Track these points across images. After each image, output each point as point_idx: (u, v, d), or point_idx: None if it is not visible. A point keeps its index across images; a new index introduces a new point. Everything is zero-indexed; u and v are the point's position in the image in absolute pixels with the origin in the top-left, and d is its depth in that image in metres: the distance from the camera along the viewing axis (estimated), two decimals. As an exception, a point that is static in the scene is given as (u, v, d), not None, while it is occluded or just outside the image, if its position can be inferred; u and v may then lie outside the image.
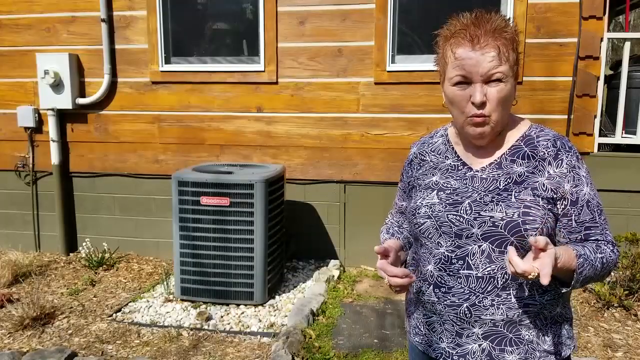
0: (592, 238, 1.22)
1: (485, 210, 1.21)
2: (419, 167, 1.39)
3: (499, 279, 1.21)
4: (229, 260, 3.48)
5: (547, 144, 1.24)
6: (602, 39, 3.79)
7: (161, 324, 3.31)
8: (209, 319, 3.34)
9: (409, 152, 1.46)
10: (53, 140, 4.47)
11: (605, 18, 3.80)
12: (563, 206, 1.21)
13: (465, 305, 1.23)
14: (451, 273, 1.25)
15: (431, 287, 1.29)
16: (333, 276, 4.03)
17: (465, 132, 1.25)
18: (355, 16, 4.07)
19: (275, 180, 3.61)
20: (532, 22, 3.86)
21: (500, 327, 1.23)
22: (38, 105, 4.51)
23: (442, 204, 1.27)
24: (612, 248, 1.22)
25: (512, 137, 1.28)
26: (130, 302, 3.66)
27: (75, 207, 4.68)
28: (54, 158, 4.50)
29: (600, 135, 3.98)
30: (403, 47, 4.11)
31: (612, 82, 4.21)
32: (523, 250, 1.17)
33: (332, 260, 4.36)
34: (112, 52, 4.38)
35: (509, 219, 1.18)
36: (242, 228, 3.44)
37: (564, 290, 1.17)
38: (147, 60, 4.36)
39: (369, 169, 4.22)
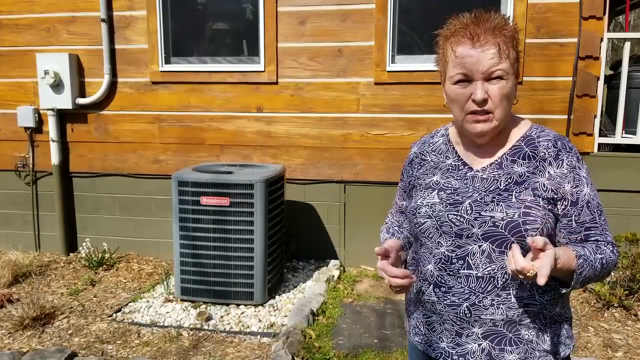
0: (592, 238, 1.22)
1: (486, 210, 1.21)
2: (419, 167, 1.39)
3: (499, 279, 1.21)
4: (229, 260, 3.48)
5: (547, 144, 1.24)
6: (602, 39, 3.79)
7: (161, 324, 3.31)
8: (209, 319, 3.34)
9: (410, 152, 1.46)
10: (53, 140, 4.47)
11: (605, 18, 3.80)
12: (563, 207, 1.21)
13: (465, 305, 1.23)
14: (451, 273, 1.25)
15: (431, 286, 1.29)
16: (333, 276, 4.03)
17: (466, 129, 1.25)
18: (355, 16, 4.07)
19: (275, 180, 3.61)
20: (532, 22, 3.86)
21: (500, 327, 1.23)
22: (38, 105, 4.51)
23: (442, 203, 1.27)
24: (612, 249, 1.22)
25: (514, 137, 1.28)
26: (130, 302, 3.66)
27: (75, 207, 4.68)
28: (54, 158, 4.50)
29: (600, 135, 3.98)
30: (403, 47, 4.11)
31: (612, 82, 4.21)
32: (524, 250, 1.17)
33: (332, 260, 4.36)
34: (112, 52, 4.39)
35: (509, 219, 1.18)
36: (242, 228, 3.43)
37: (563, 291, 1.17)
38: (147, 60, 4.36)
39: (369, 169, 4.22)
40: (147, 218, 4.57)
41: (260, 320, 3.34)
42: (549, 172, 1.21)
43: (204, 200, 3.43)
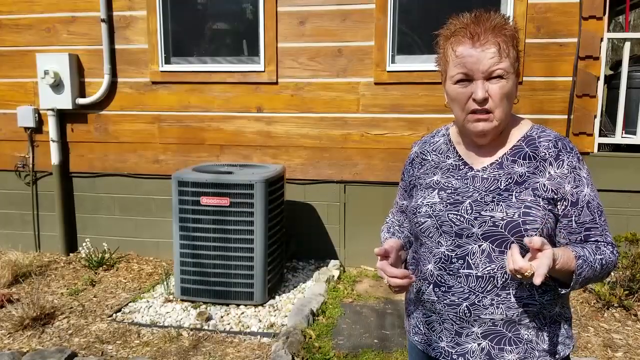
0: (592, 239, 1.22)
1: (486, 210, 1.21)
2: (420, 166, 1.39)
3: (498, 279, 1.21)
4: (229, 261, 3.48)
5: (548, 144, 1.24)
6: (602, 39, 3.79)
7: (161, 324, 3.31)
8: (209, 319, 3.34)
9: (411, 151, 1.47)
10: (53, 141, 4.47)
11: (605, 18, 3.80)
12: (563, 207, 1.21)
13: (464, 304, 1.23)
14: (451, 272, 1.25)
15: (431, 286, 1.29)
16: (333, 276, 4.03)
17: (467, 129, 1.25)
18: (355, 16, 4.07)
19: (275, 180, 3.61)
20: (532, 22, 3.86)
21: (500, 327, 1.23)
22: (38, 105, 4.51)
23: (442, 203, 1.27)
24: (611, 249, 1.22)
25: (514, 137, 1.28)
26: (130, 302, 3.66)
27: (75, 207, 4.68)
28: (54, 158, 4.50)
29: (600, 135, 3.98)
30: (403, 47, 4.11)
31: (612, 82, 4.21)
32: (524, 250, 1.17)
33: (332, 261, 4.36)
34: (112, 52, 4.39)
35: (509, 219, 1.18)
36: (242, 228, 3.43)
37: (563, 292, 1.17)
38: (147, 60, 4.36)
39: (368, 169, 4.22)
40: (147, 218, 4.57)
41: (260, 321, 3.34)
42: (549, 173, 1.21)
43: (204, 200, 3.43)
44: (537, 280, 1.00)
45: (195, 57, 4.39)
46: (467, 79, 1.19)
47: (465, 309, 1.23)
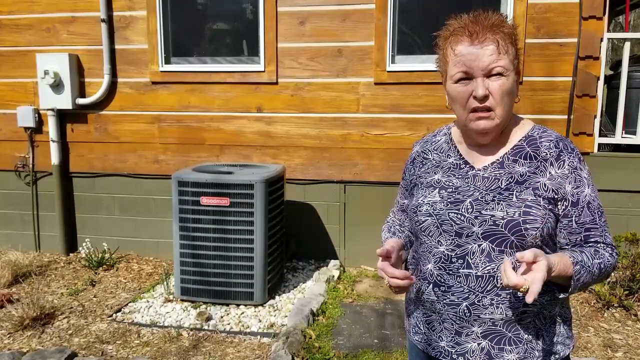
0: (592, 239, 1.22)
1: (487, 209, 1.21)
2: (421, 166, 1.40)
3: (498, 279, 1.21)
4: (229, 261, 3.48)
5: (549, 144, 1.24)
6: (602, 39, 3.79)
7: (161, 324, 3.31)
8: (209, 319, 3.34)
9: (412, 150, 1.47)
10: (53, 141, 4.47)
11: (605, 18, 3.80)
12: (564, 207, 1.21)
13: (464, 304, 1.23)
14: (451, 272, 1.25)
15: (431, 285, 1.29)
16: (333, 276, 4.03)
17: (469, 128, 1.26)
18: (355, 16, 4.07)
19: (275, 180, 3.61)
20: (532, 22, 3.86)
21: (500, 326, 1.23)
22: (38, 105, 4.51)
23: (443, 202, 1.27)
24: (611, 251, 1.22)
25: (515, 136, 1.28)
26: (130, 302, 3.66)
27: (75, 207, 4.68)
28: (54, 158, 4.50)
29: (600, 135, 3.98)
30: (403, 47, 4.11)
31: (612, 82, 4.21)
32: (523, 249, 1.17)
33: (332, 261, 4.36)
34: (112, 52, 4.39)
35: (509, 218, 1.18)
36: (242, 228, 3.43)
37: (561, 296, 1.18)
38: (147, 60, 4.36)
39: (368, 169, 4.22)
40: (147, 218, 4.57)
41: (260, 321, 3.34)
42: (550, 173, 1.22)
43: (204, 200, 3.43)
44: (529, 299, 1.01)
45: (195, 57, 4.39)
46: (467, 77, 1.20)
47: (465, 308, 1.23)
